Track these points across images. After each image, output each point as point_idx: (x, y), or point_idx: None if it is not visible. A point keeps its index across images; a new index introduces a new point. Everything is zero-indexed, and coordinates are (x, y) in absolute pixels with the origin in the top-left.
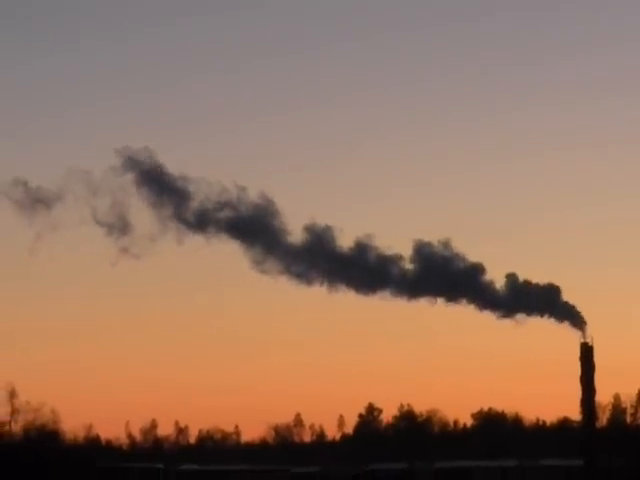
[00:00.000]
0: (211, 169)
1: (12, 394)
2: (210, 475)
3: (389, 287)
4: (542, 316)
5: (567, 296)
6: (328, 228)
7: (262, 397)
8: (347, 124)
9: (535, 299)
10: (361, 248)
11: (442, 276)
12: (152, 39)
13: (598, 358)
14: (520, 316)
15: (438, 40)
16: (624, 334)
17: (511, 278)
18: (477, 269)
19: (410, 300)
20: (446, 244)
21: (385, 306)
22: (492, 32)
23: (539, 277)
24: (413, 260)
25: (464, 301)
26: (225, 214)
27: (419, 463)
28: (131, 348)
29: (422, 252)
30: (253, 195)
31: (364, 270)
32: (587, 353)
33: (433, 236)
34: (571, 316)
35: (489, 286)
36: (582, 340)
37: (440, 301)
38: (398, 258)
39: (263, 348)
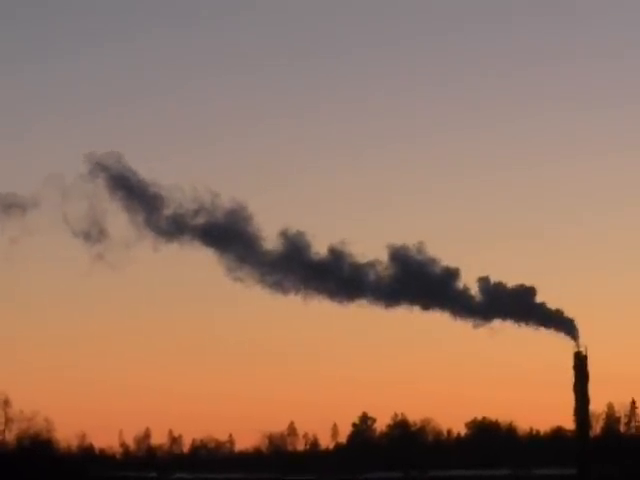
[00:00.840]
0: (183, 176)
1: (5, 403)
2: None
3: (366, 295)
4: (518, 322)
5: (561, 305)
6: (302, 234)
7: (256, 406)
8: (319, 131)
9: (509, 303)
10: (336, 255)
11: (419, 282)
12: (126, 44)
13: (592, 367)
14: (496, 322)
15: (424, 46)
16: (618, 343)
17: (483, 282)
18: (452, 274)
19: (387, 308)
20: (420, 248)
21: (378, 315)
22: (485, 39)
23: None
24: (389, 266)
25: (439, 309)
26: (198, 221)
27: (413, 472)
28: (125, 357)
29: (397, 257)
30: (226, 201)
31: (341, 278)
32: (581, 362)
33: (406, 241)
34: (549, 320)
35: (464, 292)
36: (576, 349)
37: (416, 309)
38: (374, 264)
39: (257, 357)
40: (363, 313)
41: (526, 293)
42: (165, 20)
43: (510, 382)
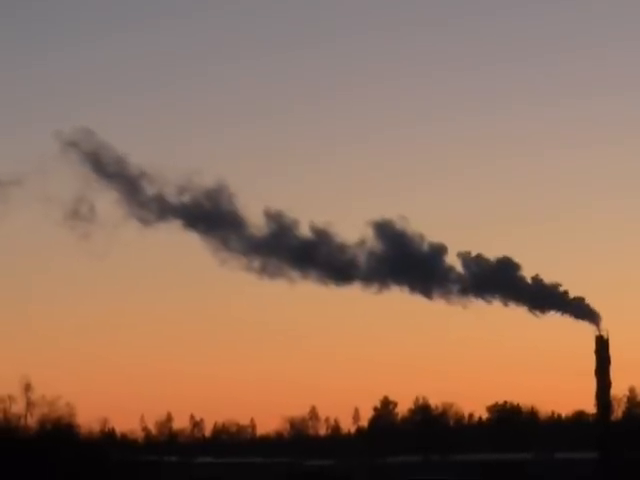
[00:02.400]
0: (167, 156)
1: (27, 388)
2: (225, 468)
3: (358, 278)
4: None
5: (583, 289)
6: (289, 216)
7: (277, 390)
8: (301, 111)
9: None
10: (322, 236)
11: (408, 261)
12: (103, 22)
13: (613, 351)
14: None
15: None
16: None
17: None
18: (439, 251)
19: (381, 290)
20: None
21: (400, 300)
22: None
23: (551, 274)
24: (376, 247)
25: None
26: (182, 201)
27: (434, 456)
28: (147, 342)
29: (385, 236)
30: (209, 182)
31: (332, 261)
32: (602, 346)
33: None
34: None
35: (450, 270)
36: (597, 333)
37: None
38: (361, 244)
39: (279, 342)
40: (386, 298)
41: (509, 267)
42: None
43: (531, 366)
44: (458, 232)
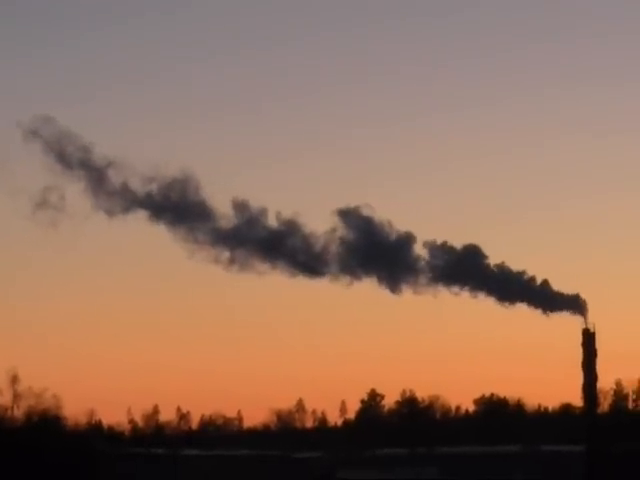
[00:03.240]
0: (133, 147)
1: (14, 379)
2: (212, 460)
3: (328, 270)
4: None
5: (571, 283)
6: (257, 206)
7: (264, 383)
8: (266, 102)
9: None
10: (290, 227)
11: (376, 251)
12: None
13: (600, 344)
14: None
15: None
16: (626, 320)
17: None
18: (408, 240)
19: (353, 282)
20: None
21: (386, 292)
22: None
23: (536, 269)
24: (345, 237)
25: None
26: (148, 192)
27: (421, 449)
28: (133, 334)
29: (353, 226)
30: (176, 172)
31: (301, 252)
32: (589, 339)
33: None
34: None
35: (417, 259)
36: (584, 326)
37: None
38: (330, 234)
39: (265, 334)
40: (371, 290)
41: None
42: None
43: (518, 359)
44: (426, 221)
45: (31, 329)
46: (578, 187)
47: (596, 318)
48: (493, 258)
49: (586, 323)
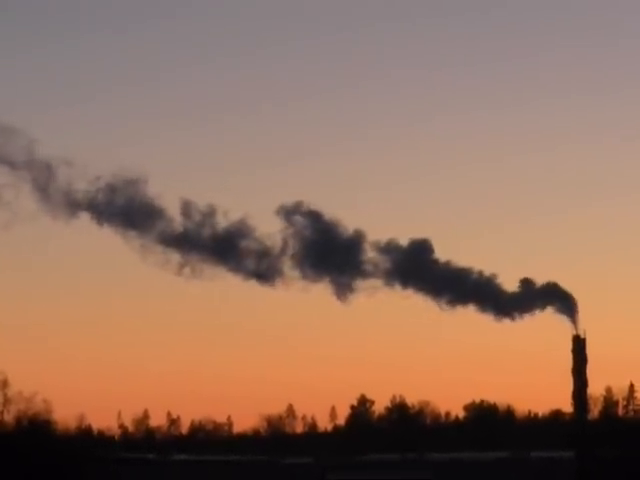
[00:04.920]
0: (81, 148)
1: (4, 383)
2: (202, 465)
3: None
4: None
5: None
6: (206, 208)
7: (254, 388)
8: (213, 103)
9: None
10: (240, 229)
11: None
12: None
13: (590, 350)
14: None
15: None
16: (617, 326)
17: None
18: (358, 238)
19: (307, 286)
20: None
21: (377, 297)
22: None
23: (534, 273)
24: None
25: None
26: (96, 194)
27: (411, 454)
28: (123, 338)
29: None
30: (125, 174)
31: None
32: (579, 345)
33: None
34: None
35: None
36: (574, 332)
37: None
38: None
39: (256, 339)
40: (365, 298)
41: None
42: None
43: (508, 365)
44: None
45: (20, 333)
46: (572, 193)
47: (586, 324)
48: (488, 268)
49: (576, 329)
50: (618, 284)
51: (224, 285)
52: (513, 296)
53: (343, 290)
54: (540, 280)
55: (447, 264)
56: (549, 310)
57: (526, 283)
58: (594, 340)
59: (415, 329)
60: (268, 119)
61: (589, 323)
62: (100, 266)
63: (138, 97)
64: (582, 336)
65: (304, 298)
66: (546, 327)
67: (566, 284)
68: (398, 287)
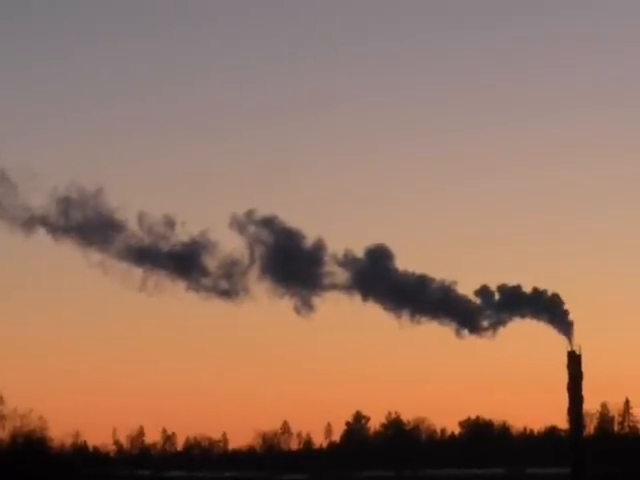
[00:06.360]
0: (41, 161)
1: None
2: None
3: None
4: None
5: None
6: (166, 221)
7: (250, 405)
8: (170, 116)
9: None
10: (200, 244)
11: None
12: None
13: (586, 367)
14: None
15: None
16: (612, 343)
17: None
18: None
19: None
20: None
21: (373, 315)
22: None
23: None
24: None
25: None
26: (56, 208)
27: (406, 471)
28: (119, 356)
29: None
30: (85, 187)
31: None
32: (574, 362)
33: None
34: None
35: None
36: (569, 349)
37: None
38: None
39: (251, 356)
40: (361, 315)
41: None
42: None
43: (504, 382)
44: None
45: (16, 351)
46: (564, 206)
47: (582, 341)
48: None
49: (571, 345)
50: (613, 300)
51: (214, 303)
52: (506, 310)
53: (305, 305)
54: (538, 292)
55: (446, 288)
56: (544, 326)
57: (519, 297)
58: (589, 356)
59: (410, 347)
60: (223, 130)
61: (584, 339)
62: (85, 284)
63: (97, 112)
64: (577, 352)
65: (298, 317)
66: (542, 344)
67: (561, 300)
68: (402, 312)
